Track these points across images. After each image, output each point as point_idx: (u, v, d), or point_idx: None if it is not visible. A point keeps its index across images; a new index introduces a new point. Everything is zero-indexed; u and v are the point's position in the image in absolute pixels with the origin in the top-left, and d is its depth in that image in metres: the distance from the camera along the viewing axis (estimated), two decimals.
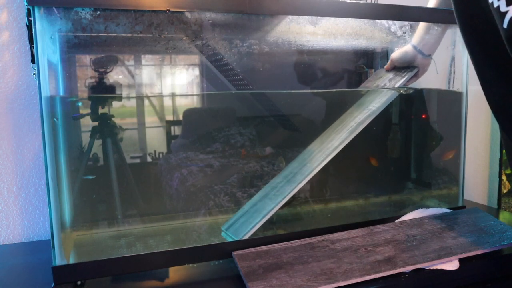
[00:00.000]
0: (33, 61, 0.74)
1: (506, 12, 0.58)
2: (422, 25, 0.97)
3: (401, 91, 1.06)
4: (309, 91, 1.19)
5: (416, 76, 1.01)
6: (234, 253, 0.79)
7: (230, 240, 0.83)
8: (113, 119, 0.97)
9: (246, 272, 0.72)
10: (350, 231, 0.87)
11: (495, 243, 0.82)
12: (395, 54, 1.00)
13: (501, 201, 1.43)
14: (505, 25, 0.59)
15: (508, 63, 0.64)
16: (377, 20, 0.95)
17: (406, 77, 0.98)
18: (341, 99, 1.18)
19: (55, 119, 0.79)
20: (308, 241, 0.83)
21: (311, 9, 0.83)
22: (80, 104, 0.95)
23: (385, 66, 1.04)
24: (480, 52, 0.69)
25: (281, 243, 0.82)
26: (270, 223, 1.00)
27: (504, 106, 0.68)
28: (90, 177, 0.93)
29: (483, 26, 0.66)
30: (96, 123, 0.96)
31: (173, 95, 1.10)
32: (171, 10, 0.73)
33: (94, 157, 0.96)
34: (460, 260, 0.78)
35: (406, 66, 1.01)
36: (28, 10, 0.68)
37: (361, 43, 1.00)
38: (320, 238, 0.84)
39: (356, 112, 1.00)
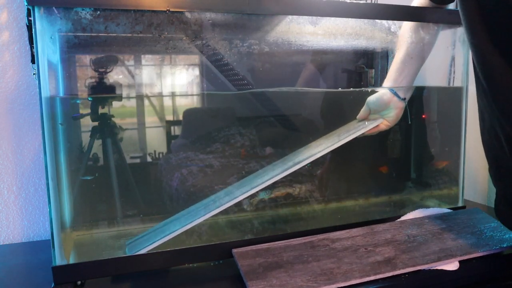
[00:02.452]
0: (33, 61, 0.74)
1: None
2: (394, 70, 0.96)
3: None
4: (308, 90, 1.19)
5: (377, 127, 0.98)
6: (234, 250, 0.78)
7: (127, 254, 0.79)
8: (113, 119, 0.97)
9: (246, 271, 0.72)
10: (350, 230, 0.87)
11: (495, 245, 0.82)
12: (371, 98, 0.98)
13: None
14: None
15: None
16: (377, 20, 0.95)
17: (368, 126, 0.95)
18: (340, 98, 1.18)
19: (60, 124, 0.79)
20: (308, 239, 0.83)
21: (311, 9, 0.83)
22: (78, 101, 0.95)
23: (359, 115, 0.99)
24: (487, 41, 0.66)
25: (281, 241, 0.82)
26: (270, 223, 1.00)
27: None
28: (88, 178, 0.93)
29: (496, 13, 0.64)
30: (96, 123, 0.96)
31: (173, 95, 1.10)
32: (171, 10, 0.73)
33: (94, 157, 0.96)
34: (460, 261, 0.78)
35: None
36: (28, 10, 0.68)
37: (361, 43, 1.00)
38: (320, 236, 0.84)
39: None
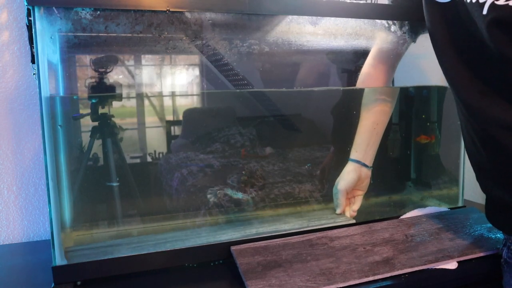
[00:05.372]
0: (33, 61, 0.74)
1: (484, 2, 0.61)
2: (362, 140, 0.97)
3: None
4: (309, 89, 1.19)
5: None
6: (232, 248, 0.78)
7: None
8: (113, 119, 0.98)
9: (245, 269, 0.72)
10: (348, 228, 0.87)
11: (492, 246, 0.82)
12: (340, 186, 0.95)
13: None
14: (484, 12, 0.61)
15: (484, 59, 0.65)
16: (377, 20, 0.95)
17: (338, 223, 0.92)
18: (341, 98, 1.18)
19: (59, 126, 0.79)
20: (306, 237, 0.83)
21: (311, 9, 0.83)
22: (76, 97, 0.95)
23: (339, 210, 0.97)
24: (453, 56, 0.71)
25: (280, 239, 0.81)
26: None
27: (482, 107, 0.68)
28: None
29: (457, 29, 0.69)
30: (96, 123, 0.96)
31: (173, 95, 1.10)
32: (171, 10, 0.73)
33: (94, 157, 0.96)
34: (458, 261, 0.79)
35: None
36: (28, 10, 0.69)
37: (361, 43, 1.00)
38: (319, 234, 0.84)
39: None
